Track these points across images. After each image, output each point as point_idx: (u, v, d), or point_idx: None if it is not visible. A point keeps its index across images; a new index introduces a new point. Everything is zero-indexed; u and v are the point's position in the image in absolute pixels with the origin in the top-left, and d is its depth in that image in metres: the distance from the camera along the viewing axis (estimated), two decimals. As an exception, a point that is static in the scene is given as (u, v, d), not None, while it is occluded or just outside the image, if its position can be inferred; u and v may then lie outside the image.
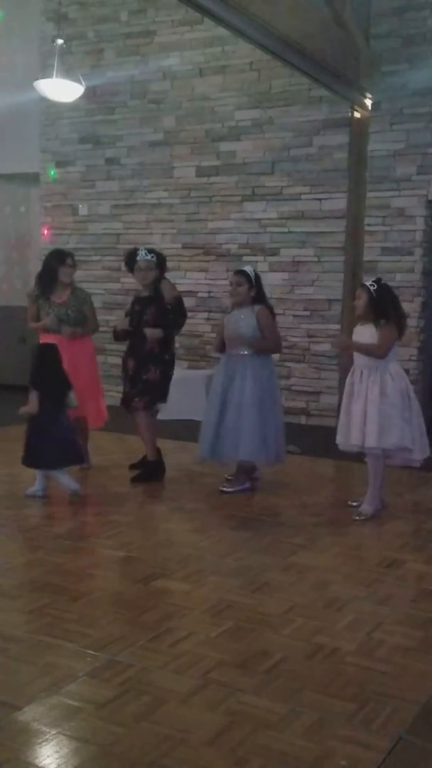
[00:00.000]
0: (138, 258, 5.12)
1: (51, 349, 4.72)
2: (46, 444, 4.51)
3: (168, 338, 5.13)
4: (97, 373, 5.46)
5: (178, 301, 5.14)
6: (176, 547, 3.91)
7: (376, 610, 3.16)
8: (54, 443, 4.51)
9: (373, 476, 4.48)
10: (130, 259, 5.17)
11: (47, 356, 4.68)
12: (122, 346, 8.07)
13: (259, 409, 4.75)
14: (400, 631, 2.97)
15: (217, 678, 2.56)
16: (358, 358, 4.49)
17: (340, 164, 7.02)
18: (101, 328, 8.62)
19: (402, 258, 6.97)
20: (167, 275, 5.29)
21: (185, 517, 4.46)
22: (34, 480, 4.69)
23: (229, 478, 5.08)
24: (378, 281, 4.49)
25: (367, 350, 4.39)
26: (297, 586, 3.40)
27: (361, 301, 4.44)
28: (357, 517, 4.42)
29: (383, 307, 4.37)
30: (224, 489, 4.94)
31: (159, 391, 5.14)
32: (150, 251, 5.18)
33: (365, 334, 4.43)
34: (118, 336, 5.23)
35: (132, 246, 8.04)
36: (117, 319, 8.09)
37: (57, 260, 5.18)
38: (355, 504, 4.60)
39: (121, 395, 5.29)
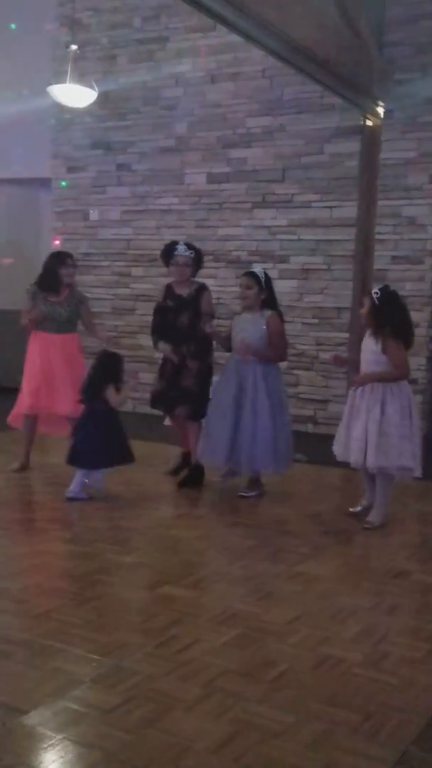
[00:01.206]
0: (176, 252, 5.03)
1: (116, 359, 4.77)
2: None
3: (205, 349, 5.06)
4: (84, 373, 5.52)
5: (212, 318, 5.08)
6: (182, 554, 3.91)
7: (382, 621, 3.15)
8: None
9: (381, 490, 4.47)
10: (168, 252, 5.09)
11: (109, 364, 4.71)
12: (131, 351, 8.10)
13: (271, 419, 4.73)
14: (406, 642, 2.96)
15: (222, 686, 2.55)
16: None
17: (351, 172, 7.02)
18: (110, 333, 8.65)
19: (412, 267, 6.96)
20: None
21: (191, 523, 4.46)
22: (69, 482, 4.71)
23: (221, 479, 5.06)
24: (383, 289, 4.45)
25: (389, 378, 4.35)
26: (303, 595, 3.39)
27: (365, 309, 4.42)
28: (366, 526, 4.41)
29: (384, 316, 4.33)
30: (243, 494, 4.93)
31: (200, 402, 5.04)
32: (189, 246, 5.09)
33: (372, 344, 4.40)
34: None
35: (144, 251, 8.17)
36: (126, 324, 8.18)
37: (57, 262, 5.21)
38: (356, 509, 4.62)
39: (150, 394, 5.27)
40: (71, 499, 4.59)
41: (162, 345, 5.10)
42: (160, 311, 5.18)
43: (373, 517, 4.46)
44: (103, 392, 4.61)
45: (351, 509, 4.67)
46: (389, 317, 4.34)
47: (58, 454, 5.22)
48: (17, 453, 5.36)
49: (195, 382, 5.03)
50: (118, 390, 4.66)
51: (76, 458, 4.65)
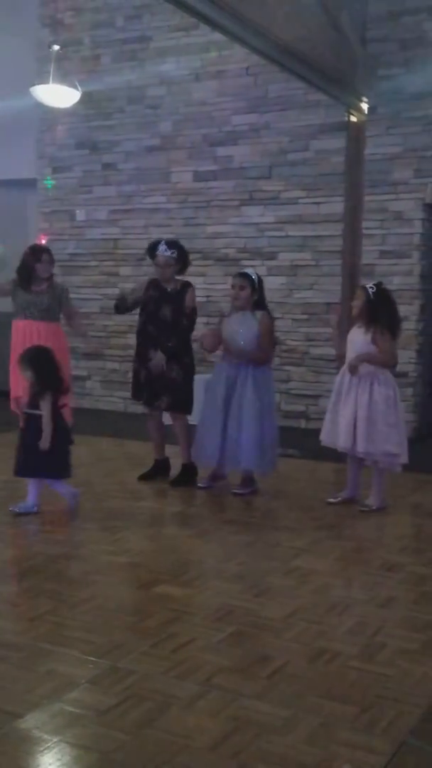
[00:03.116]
0: (158, 253, 5.00)
1: (48, 351, 4.52)
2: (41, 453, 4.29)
3: (186, 342, 5.06)
4: (69, 370, 5.45)
5: (194, 312, 5.09)
6: (177, 552, 3.90)
7: (377, 614, 3.15)
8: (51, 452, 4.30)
9: (377, 476, 4.62)
10: (152, 250, 5.08)
11: (47, 358, 4.44)
12: (121, 351, 8.07)
13: (258, 418, 4.75)
14: (402, 634, 2.97)
15: (219, 683, 2.55)
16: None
17: (337, 168, 7.03)
18: (99, 334, 8.62)
19: (400, 261, 6.98)
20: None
21: (185, 522, 4.45)
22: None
23: (202, 486, 5.05)
24: (378, 285, 4.58)
25: (378, 360, 4.50)
26: (298, 590, 3.39)
27: (359, 302, 4.54)
28: (362, 509, 4.55)
29: (378, 311, 4.45)
30: (237, 492, 4.93)
31: (183, 395, 5.04)
32: (171, 245, 5.05)
33: (361, 335, 4.51)
34: (120, 306, 5.10)
35: (132, 250, 8.15)
36: (115, 324, 8.15)
37: (33, 257, 5.25)
38: (332, 501, 4.72)
39: (131, 391, 5.23)
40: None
41: (154, 356, 5.01)
42: (137, 297, 5.16)
43: (371, 501, 4.60)
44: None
45: (329, 500, 4.76)
46: (383, 312, 4.47)
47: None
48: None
49: (180, 374, 5.02)
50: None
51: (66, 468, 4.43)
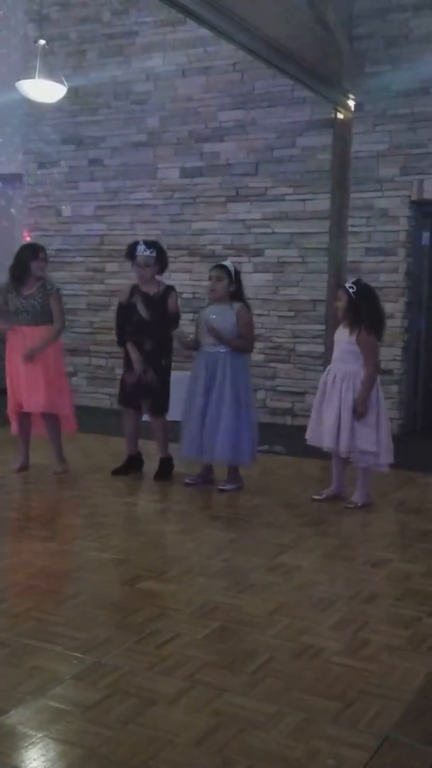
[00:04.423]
0: (137, 253, 4.99)
1: None
2: None
3: (166, 346, 5.08)
4: (65, 374, 5.39)
5: (177, 316, 5.11)
6: (162, 548, 3.91)
7: (362, 610, 3.17)
8: None
9: (362, 472, 4.64)
10: (130, 252, 5.07)
11: None
12: (107, 347, 8.05)
13: (236, 409, 4.77)
14: (386, 630, 2.98)
15: (203, 679, 2.55)
16: (335, 362, 4.60)
17: (323, 165, 7.05)
18: (85, 330, 8.60)
19: (386, 258, 7.01)
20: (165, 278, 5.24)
21: (171, 518, 4.45)
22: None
23: (189, 482, 5.05)
24: (357, 282, 4.57)
25: (371, 383, 4.47)
26: (283, 586, 3.40)
27: (342, 303, 4.53)
28: (347, 506, 4.58)
29: (361, 309, 4.45)
30: (223, 488, 4.94)
31: (160, 398, 5.09)
32: (150, 245, 5.04)
33: (345, 335, 4.52)
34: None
35: (118, 246, 8.12)
36: (102, 320, 8.14)
37: (29, 254, 5.15)
38: (317, 497, 4.74)
39: (118, 390, 5.25)
40: None
41: (131, 348, 5.07)
42: (123, 309, 5.17)
43: (356, 497, 4.62)
44: None
45: (315, 496, 4.78)
46: (366, 311, 4.47)
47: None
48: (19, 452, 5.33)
49: (157, 377, 5.05)
50: None
51: None
